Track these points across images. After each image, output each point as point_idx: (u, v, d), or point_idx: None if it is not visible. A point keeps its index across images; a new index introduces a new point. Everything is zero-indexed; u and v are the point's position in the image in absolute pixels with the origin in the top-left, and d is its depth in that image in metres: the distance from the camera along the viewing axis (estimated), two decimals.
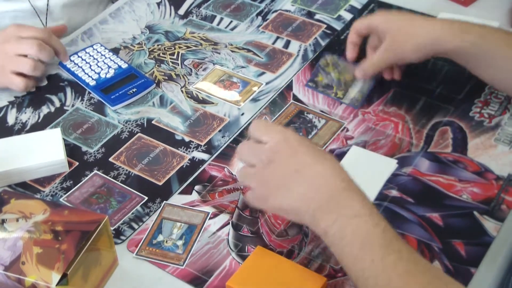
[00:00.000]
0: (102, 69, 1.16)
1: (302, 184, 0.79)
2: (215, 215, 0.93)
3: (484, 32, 0.98)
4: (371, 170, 0.97)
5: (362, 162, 0.98)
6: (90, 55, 1.19)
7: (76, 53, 1.20)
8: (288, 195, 0.79)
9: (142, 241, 0.91)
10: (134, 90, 1.12)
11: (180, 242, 0.90)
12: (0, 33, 1.14)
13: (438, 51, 1.00)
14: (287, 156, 0.81)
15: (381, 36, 1.04)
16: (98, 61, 1.18)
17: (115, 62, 1.17)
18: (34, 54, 1.12)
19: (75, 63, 1.18)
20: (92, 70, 1.16)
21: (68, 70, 1.17)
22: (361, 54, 1.11)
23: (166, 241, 0.90)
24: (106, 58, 1.18)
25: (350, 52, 1.11)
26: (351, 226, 0.75)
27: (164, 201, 0.95)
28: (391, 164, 0.98)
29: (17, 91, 1.14)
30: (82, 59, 1.19)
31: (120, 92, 1.12)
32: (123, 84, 1.13)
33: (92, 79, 1.14)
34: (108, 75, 1.15)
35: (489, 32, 0.98)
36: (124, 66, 1.17)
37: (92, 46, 1.21)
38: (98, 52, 1.20)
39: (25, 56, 1.12)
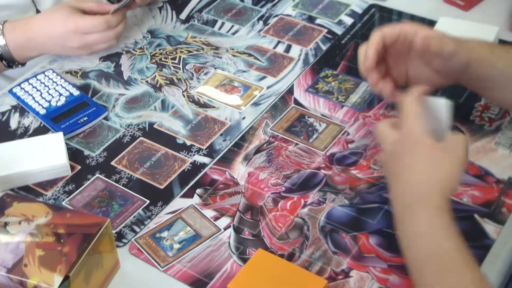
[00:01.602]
0: (53, 97, 1.12)
1: (395, 188, 0.84)
2: (216, 218, 0.94)
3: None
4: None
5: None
6: (41, 82, 1.15)
7: (27, 80, 1.16)
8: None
9: (148, 229, 0.92)
10: (85, 118, 1.09)
11: (176, 246, 0.90)
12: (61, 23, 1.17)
13: (474, 66, 0.94)
14: (391, 164, 0.86)
15: (415, 39, 0.92)
16: (49, 89, 1.14)
17: (66, 89, 1.14)
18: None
19: (25, 91, 1.14)
20: (42, 98, 1.12)
21: (18, 98, 1.14)
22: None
23: (167, 239, 0.91)
24: (57, 85, 1.15)
25: (371, 58, 0.93)
26: (409, 249, 0.79)
27: (192, 203, 0.96)
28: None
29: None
30: (33, 87, 1.15)
31: (70, 121, 1.08)
32: (74, 113, 1.10)
33: (43, 107, 1.11)
34: (59, 103, 1.11)
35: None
36: (76, 93, 1.13)
37: (43, 72, 1.17)
38: (49, 79, 1.16)
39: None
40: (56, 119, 1.10)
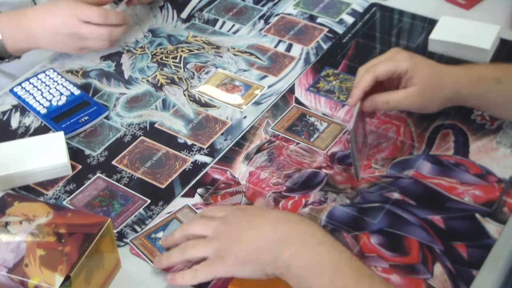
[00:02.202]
0: (54, 96, 1.12)
1: (256, 230, 0.79)
2: None
3: (501, 73, 0.96)
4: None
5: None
6: (42, 82, 1.15)
7: (27, 79, 1.16)
8: (244, 245, 0.78)
9: (143, 230, 0.92)
10: (86, 118, 1.09)
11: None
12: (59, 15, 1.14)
13: (457, 101, 0.97)
14: (238, 215, 0.82)
15: (405, 81, 0.95)
16: (50, 88, 1.14)
17: (67, 89, 1.14)
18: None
19: (26, 90, 1.14)
20: (43, 97, 1.12)
21: (19, 97, 1.14)
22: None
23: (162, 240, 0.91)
24: (58, 84, 1.15)
25: (356, 98, 0.95)
26: (318, 255, 0.74)
27: (187, 203, 0.96)
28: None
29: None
30: (34, 86, 1.15)
31: (71, 121, 1.08)
32: (75, 112, 1.10)
33: (43, 107, 1.11)
34: (60, 103, 1.11)
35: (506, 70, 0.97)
36: (77, 92, 1.13)
37: (44, 72, 1.17)
38: (50, 78, 1.16)
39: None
40: (57, 118, 1.10)
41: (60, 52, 1.23)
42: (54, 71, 1.18)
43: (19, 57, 1.22)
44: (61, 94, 1.13)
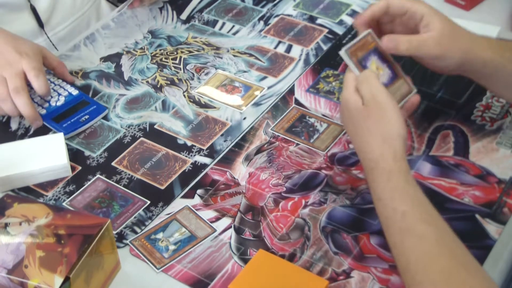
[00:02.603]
0: (52, 97, 1.12)
1: (362, 135, 0.86)
2: (217, 219, 0.94)
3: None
4: None
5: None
6: None
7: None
8: (352, 134, 0.88)
9: (143, 232, 0.92)
10: (86, 117, 1.09)
11: (172, 247, 0.90)
12: None
13: (472, 65, 0.92)
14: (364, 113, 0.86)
15: (420, 24, 0.92)
16: None
17: (65, 89, 1.14)
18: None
19: None
20: (42, 98, 1.12)
21: None
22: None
23: (162, 241, 0.91)
24: (56, 85, 1.14)
25: (363, 17, 0.92)
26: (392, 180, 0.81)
27: (187, 204, 0.96)
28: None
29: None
30: (31, 88, 1.13)
31: (72, 120, 1.09)
32: (75, 112, 1.10)
33: (42, 107, 1.11)
34: (59, 103, 1.11)
35: None
36: (75, 93, 1.13)
37: None
38: (47, 79, 1.13)
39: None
40: (57, 118, 1.10)
41: None
42: (50, 72, 1.17)
43: None
44: (59, 94, 1.13)
